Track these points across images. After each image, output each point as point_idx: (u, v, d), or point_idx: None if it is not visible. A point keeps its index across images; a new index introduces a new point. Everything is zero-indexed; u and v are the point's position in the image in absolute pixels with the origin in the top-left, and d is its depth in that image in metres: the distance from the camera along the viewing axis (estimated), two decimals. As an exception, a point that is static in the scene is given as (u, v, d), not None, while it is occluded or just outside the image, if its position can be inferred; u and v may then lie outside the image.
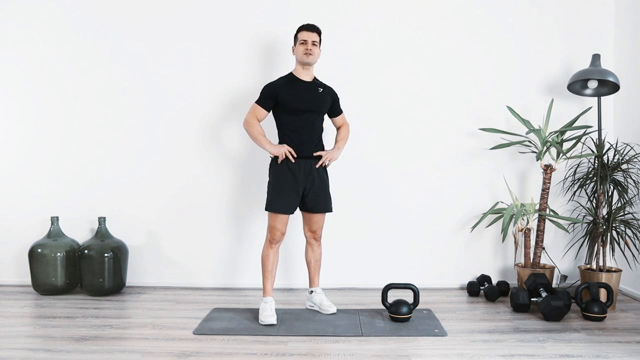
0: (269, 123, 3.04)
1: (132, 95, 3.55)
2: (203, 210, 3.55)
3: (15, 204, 3.59)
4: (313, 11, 3.47)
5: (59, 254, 3.32)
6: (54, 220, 3.42)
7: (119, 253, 3.34)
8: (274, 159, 2.87)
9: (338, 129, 3.10)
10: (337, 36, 3.48)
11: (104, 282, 3.27)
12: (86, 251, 3.27)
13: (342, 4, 3.52)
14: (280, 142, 2.88)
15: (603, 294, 3.02)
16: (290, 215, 2.87)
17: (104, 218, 3.39)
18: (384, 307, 2.88)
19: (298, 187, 2.82)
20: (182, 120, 3.54)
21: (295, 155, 2.81)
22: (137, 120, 3.55)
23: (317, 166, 2.86)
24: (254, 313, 2.87)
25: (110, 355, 2.28)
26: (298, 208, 2.91)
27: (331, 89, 3.00)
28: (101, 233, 3.37)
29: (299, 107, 2.82)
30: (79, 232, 3.56)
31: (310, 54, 2.82)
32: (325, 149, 2.97)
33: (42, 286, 3.32)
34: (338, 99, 3.04)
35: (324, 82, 3.03)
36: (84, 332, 2.59)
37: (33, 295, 3.35)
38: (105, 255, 3.27)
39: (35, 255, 3.31)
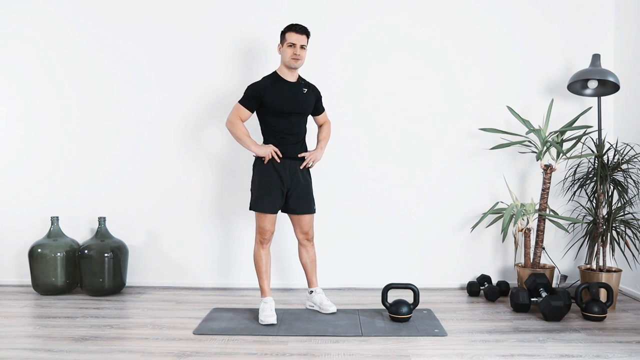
0: (252, 122, 3.03)
1: (131, 94, 3.54)
2: (203, 209, 3.55)
3: (15, 204, 3.59)
4: (303, 8, 3.46)
5: (59, 254, 3.32)
6: (54, 220, 3.42)
7: (119, 253, 3.34)
8: (259, 158, 2.84)
9: (320, 127, 3.08)
10: (334, 34, 3.48)
11: (104, 282, 3.27)
12: (86, 251, 3.27)
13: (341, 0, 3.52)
14: (265, 142, 2.85)
15: (603, 294, 3.02)
16: (281, 214, 2.86)
17: (104, 218, 3.39)
18: (384, 307, 2.88)
19: (283, 187, 2.81)
20: (182, 119, 3.54)
21: (281, 156, 2.80)
22: (137, 120, 3.55)
23: (301, 167, 2.86)
24: (254, 313, 2.87)
25: (110, 355, 2.28)
26: (281, 210, 2.89)
27: (315, 87, 2.97)
28: (101, 233, 3.37)
29: (284, 109, 2.79)
30: (79, 232, 3.56)
31: (298, 59, 2.77)
32: (308, 149, 2.96)
33: (42, 286, 3.32)
34: (321, 97, 3.01)
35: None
36: (83, 332, 2.59)
37: (33, 295, 3.35)
38: (105, 255, 3.27)
39: (35, 255, 3.31)
